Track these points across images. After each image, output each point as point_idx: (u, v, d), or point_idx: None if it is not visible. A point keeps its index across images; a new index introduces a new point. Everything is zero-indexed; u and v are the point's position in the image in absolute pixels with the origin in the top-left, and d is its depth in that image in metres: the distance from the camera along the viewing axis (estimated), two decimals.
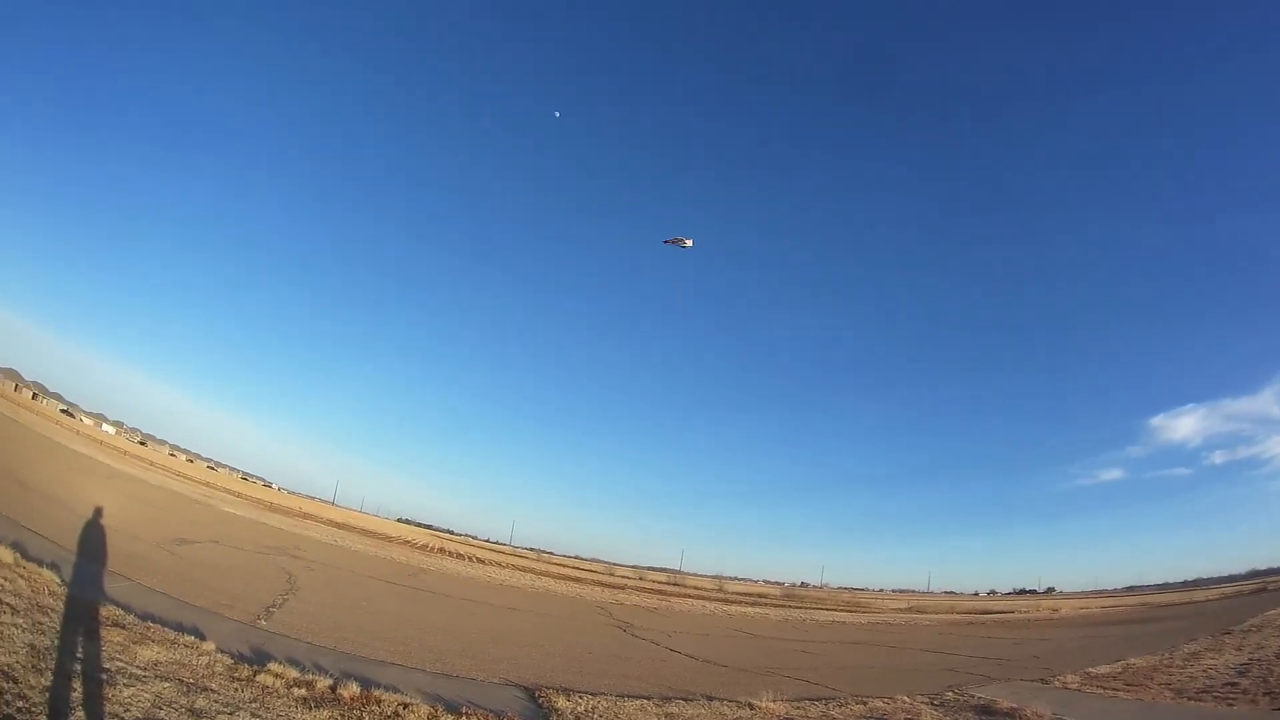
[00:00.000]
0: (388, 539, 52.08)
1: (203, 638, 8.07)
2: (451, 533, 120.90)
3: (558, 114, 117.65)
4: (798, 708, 9.04)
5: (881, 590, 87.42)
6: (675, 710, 8.57)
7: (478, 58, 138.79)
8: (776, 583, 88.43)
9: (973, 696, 10.09)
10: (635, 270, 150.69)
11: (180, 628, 8.38)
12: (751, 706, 8.81)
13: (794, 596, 58.50)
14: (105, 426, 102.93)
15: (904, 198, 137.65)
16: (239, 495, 56.99)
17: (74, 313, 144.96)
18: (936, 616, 36.91)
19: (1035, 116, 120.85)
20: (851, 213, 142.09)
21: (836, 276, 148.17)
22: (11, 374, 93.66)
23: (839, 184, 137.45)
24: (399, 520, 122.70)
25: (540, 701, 8.37)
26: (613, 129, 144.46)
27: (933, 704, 9.54)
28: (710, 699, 9.27)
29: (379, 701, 6.95)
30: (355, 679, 7.41)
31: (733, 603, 39.97)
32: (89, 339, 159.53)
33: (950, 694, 10.26)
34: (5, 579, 7.52)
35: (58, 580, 8.37)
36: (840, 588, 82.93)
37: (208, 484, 59.70)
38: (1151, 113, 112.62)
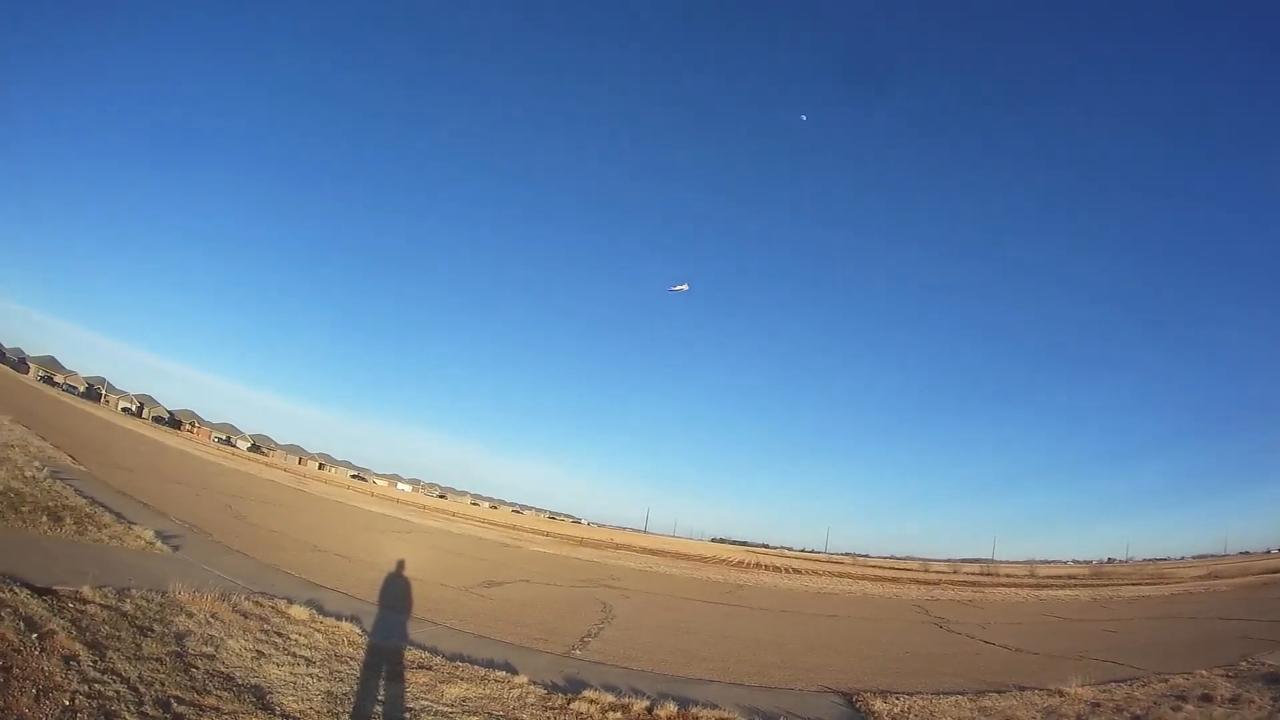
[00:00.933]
0: (702, 560, 54.67)
1: (515, 672, 8.55)
2: (766, 547, 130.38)
3: (804, 117, 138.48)
4: (1104, 690, 9.91)
5: (1182, 558, 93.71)
6: (989, 704, 9.44)
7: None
8: (1085, 562, 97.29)
9: (1263, 665, 11.26)
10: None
11: (490, 665, 8.90)
12: (1061, 693, 9.62)
13: (1101, 575, 63.20)
14: (401, 485, 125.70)
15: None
16: (547, 534, 63.53)
17: (365, 390, 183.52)
18: (1232, 581, 39.85)
19: None
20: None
21: None
22: (295, 449, 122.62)
23: None
24: (713, 540, 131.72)
25: (857, 705, 9.33)
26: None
27: (1227, 676, 10.56)
28: (1022, 689, 10.18)
29: (696, 719, 7.62)
30: (673, 699, 7.95)
31: (1044, 587, 43.62)
32: (374, 408, 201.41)
33: (1244, 664, 11.43)
34: (300, 634, 8.48)
35: (358, 631, 9.33)
36: (1145, 560, 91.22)
37: (513, 527, 68.36)
38: None
